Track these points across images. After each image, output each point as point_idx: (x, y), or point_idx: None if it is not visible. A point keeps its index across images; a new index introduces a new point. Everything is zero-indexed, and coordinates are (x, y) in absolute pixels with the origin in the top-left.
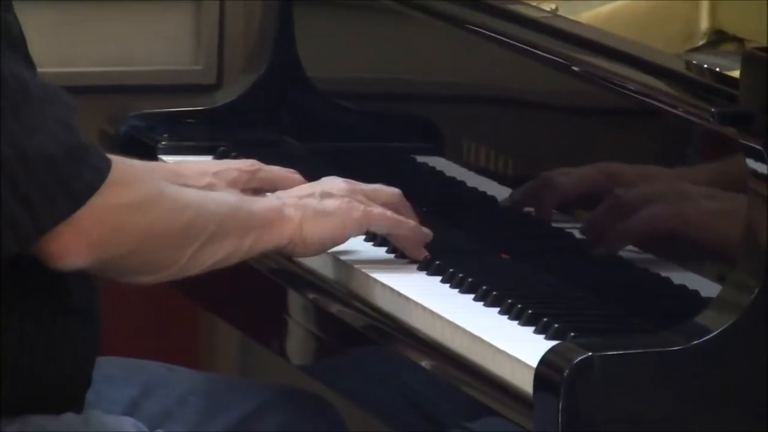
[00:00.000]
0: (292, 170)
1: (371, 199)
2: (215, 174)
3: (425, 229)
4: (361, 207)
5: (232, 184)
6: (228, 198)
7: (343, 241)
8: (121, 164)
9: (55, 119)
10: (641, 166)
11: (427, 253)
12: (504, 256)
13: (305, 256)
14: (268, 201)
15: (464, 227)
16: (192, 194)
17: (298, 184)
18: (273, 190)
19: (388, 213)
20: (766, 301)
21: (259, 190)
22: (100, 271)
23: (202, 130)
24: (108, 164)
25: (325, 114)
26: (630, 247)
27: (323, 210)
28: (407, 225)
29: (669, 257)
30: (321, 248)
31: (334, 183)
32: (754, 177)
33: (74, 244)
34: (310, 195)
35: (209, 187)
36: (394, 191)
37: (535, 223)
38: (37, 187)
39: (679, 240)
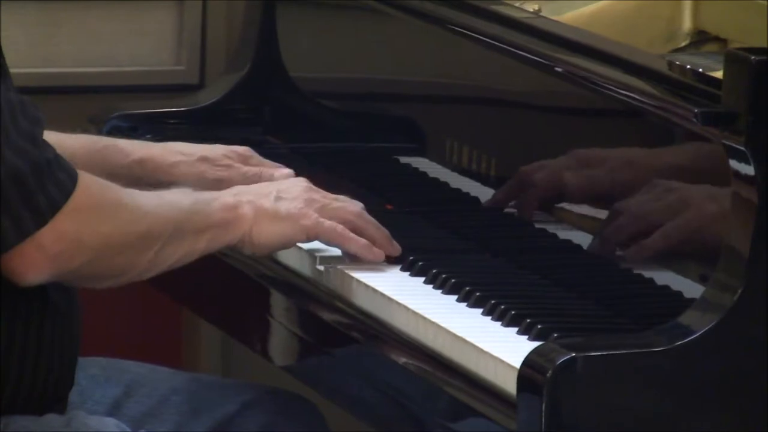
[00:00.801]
0: (280, 165)
1: (329, 212)
2: (209, 149)
3: (395, 244)
4: (314, 216)
5: (226, 156)
6: (184, 199)
7: (290, 246)
8: (85, 177)
9: (20, 133)
10: (622, 163)
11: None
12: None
13: (253, 255)
14: (224, 199)
15: (447, 227)
16: (150, 201)
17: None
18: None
19: (339, 228)
20: (749, 302)
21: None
22: (59, 280)
23: (185, 130)
24: (73, 179)
25: (308, 114)
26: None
27: (275, 213)
28: (356, 243)
29: (652, 258)
30: (268, 250)
31: (293, 186)
32: (737, 177)
33: (35, 260)
34: (266, 195)
35: (202, 160)
36: (353, 209)
37: (519, 223)
38: (1, 203)
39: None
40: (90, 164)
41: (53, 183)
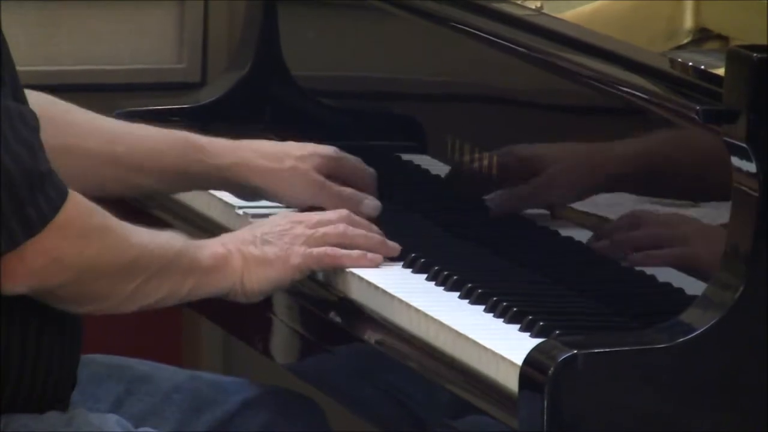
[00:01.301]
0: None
1: (315, 241)
2: (299, 158)
3: (392, 244)
4: (301, 251)
5: (318, 170)
6: (174, 242)
7: (285, 287)
8: (74, 197)
9: (18, 141)
10: (627, 164)
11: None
12: None
13: (248, 302)
14: (214, 248)
15: (449, 225)
16: (139, 235)
17: (369, 179)
18: (348, 180)
19: (329, 251)
20: (751, 300)
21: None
22: (36, 296)
23: (187, 127)
24: (63, 195)
25: (309, 112)
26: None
27: (264, 258)
28: (350, 259)
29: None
30: (262, 296)
31: (275, 224)
32: (738, 174)
33: (15, 271)
34: (252, 242)
35: (292, 170)
36: (337, 231)
37: (521, 220)
38: None
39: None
40: (178, 164)
41: (43, 197)
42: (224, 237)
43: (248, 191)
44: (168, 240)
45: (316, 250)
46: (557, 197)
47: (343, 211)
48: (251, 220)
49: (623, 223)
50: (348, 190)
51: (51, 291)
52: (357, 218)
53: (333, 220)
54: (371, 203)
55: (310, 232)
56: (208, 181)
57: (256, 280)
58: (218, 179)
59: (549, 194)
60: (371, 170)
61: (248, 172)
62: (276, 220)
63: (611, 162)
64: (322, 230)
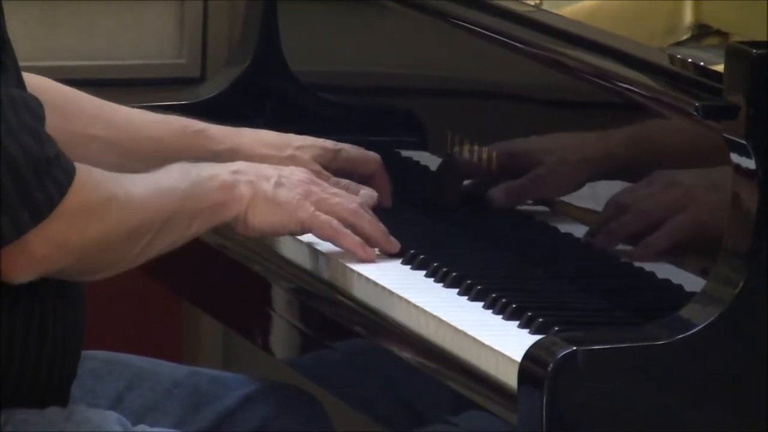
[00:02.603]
0: (367, 151)
1: (326, 207)
2: (298, 147)
3: (393, 240)
4: (311, 209)
5: (316, 160)
6: (180, 183)
7: (282, 235)
8: (81, 175)
9: (23, 128)
10: (624, 159)
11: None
12: None
13: (243, 236)
14: (222, 177)
15: (448, 221)
16: (144, 190)
17: (376, 164)
18: (352, 171)
19: (334, 223)
20: (750, 295)
21: (339, 172)
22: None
23: None
24: (71, 175)
25: (309, 108)
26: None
27: (273, 198)
28: (349, 240)
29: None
30: (260, 235)
31: (296, 174)
32: (738, 171)
33: (19, 262)
34: (267, 179)
35: (291, 159)
36: (350, 207)
37: (520, 216)
38: (1, 197)
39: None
40: (178, 149)
41: (51, 181)
42: (242, 164)
43: None
44: (173, 184)
45: (323, 216)
46: (555, 192)
47: (358, 198)
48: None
49: (612, 213)
50: (344, 181)
51: (57, 271)
52: (369, 210)
53: (348, 198)
54: (367, 193)
55: (325, 196)
56: None
57: (259, 218)
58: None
59: (547, 189)
60: (374, 156)
61: (246, 158)
62: (298, 171)
63: (610, 157)
64: (336, 200)
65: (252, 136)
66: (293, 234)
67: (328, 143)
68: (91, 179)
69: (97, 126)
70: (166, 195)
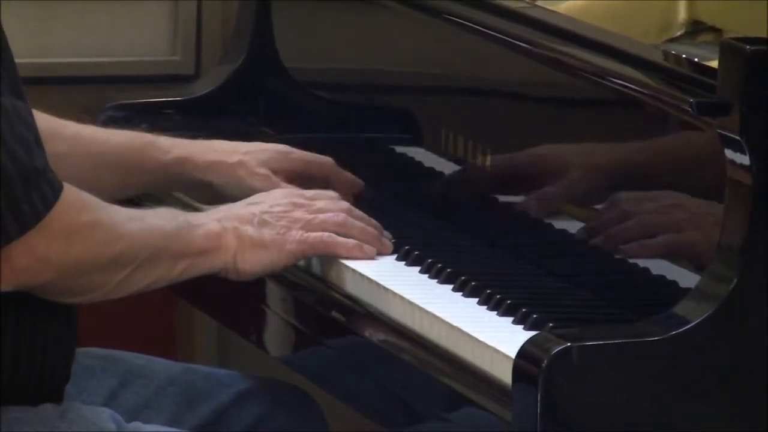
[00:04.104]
0: (319, 155)
1: (314, 227)
2: (246, 153)
3: (386, 241)
4: (297, 236)
5: (264, 164)
6: (167, 224)
7: (277, 270)
8: (67, 194)
9: (15, 137)
10: (621, 158)
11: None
12: None
13: (239, 280)
14: (209, 226)
15: (443, 217)
16: (129, 222)
17: (330, 165)
18: (306, 174)
19: (325, 237)
20: (745, 292)
21: (292, 174)
22: (22, 290)
23: (180, 120)
24: (57, 192)
25: (303, 105)
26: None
27: (260, 241)
28: (345, 248)
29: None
30: (253, 277)
31: (277, 200)
32: (732, 167)
33: (1, 270)
34: (250, 220)
35: (239, 164)
36: (337, 220)
37: (515, 213)
38: None
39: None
40: (127, 162)
41: (38, 193)
42: (221, 211)
43: (200, 189)
44: (160, 223)
45: (312, 236)
46: (550, 188)
47: (344, 203)
48: None
49: (614, 215)
50: (290, 186)
51: (36, 287)
52: (357, 212)
53: (333, 209)
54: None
55: (309, 217)
56: (160, 179)
57: (250, 262)
58: (165, 175)
59: (542, 184)
60: (326, 160)
61: (192, 166)
62: (277, 197)
63: (604, 155)
64: (321, 217)
65: (202, 145)
66: (289, 266)
67: (280, 147)
68: (79, 200)
69: (49, 143)
70: (150, 231)
